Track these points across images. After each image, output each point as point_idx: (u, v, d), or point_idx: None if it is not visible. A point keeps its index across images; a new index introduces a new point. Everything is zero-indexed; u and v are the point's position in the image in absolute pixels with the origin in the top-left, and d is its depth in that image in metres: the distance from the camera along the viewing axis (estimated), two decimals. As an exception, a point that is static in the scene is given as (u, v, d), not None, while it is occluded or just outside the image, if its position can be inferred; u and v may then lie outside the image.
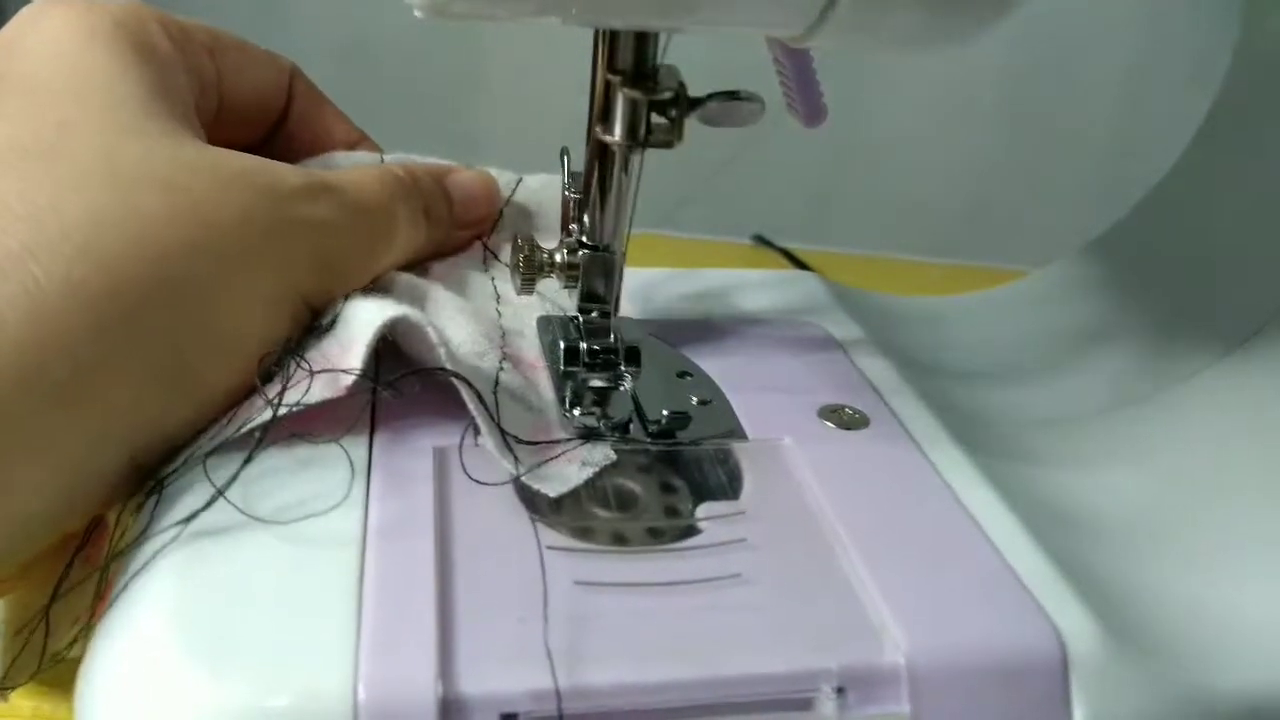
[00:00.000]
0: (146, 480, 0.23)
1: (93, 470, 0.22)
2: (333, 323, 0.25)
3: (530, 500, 0.24)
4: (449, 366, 0.25)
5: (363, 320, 0.25)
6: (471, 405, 0.24)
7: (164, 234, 0.22)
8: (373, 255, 0.28)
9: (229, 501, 0.22)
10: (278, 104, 0.31)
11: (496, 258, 0.33)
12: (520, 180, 0.34)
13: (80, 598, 0.22)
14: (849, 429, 0.28)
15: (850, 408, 0.29)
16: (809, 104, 0.27)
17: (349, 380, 0.24)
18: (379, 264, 0.28)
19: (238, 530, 0.22)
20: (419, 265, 0.31)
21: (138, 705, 0.19)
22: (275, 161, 0.26)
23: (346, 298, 0.26)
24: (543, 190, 0.34)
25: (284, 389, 0.24)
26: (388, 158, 0.32)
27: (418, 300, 0.28)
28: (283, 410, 0.23)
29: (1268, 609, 0.26)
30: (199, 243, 0.23)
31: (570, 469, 0.25)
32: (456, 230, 0.32)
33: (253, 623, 0.20)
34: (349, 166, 0.31)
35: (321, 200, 0.26)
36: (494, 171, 0.34)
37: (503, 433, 0.25)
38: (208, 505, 0.22)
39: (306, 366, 0.24)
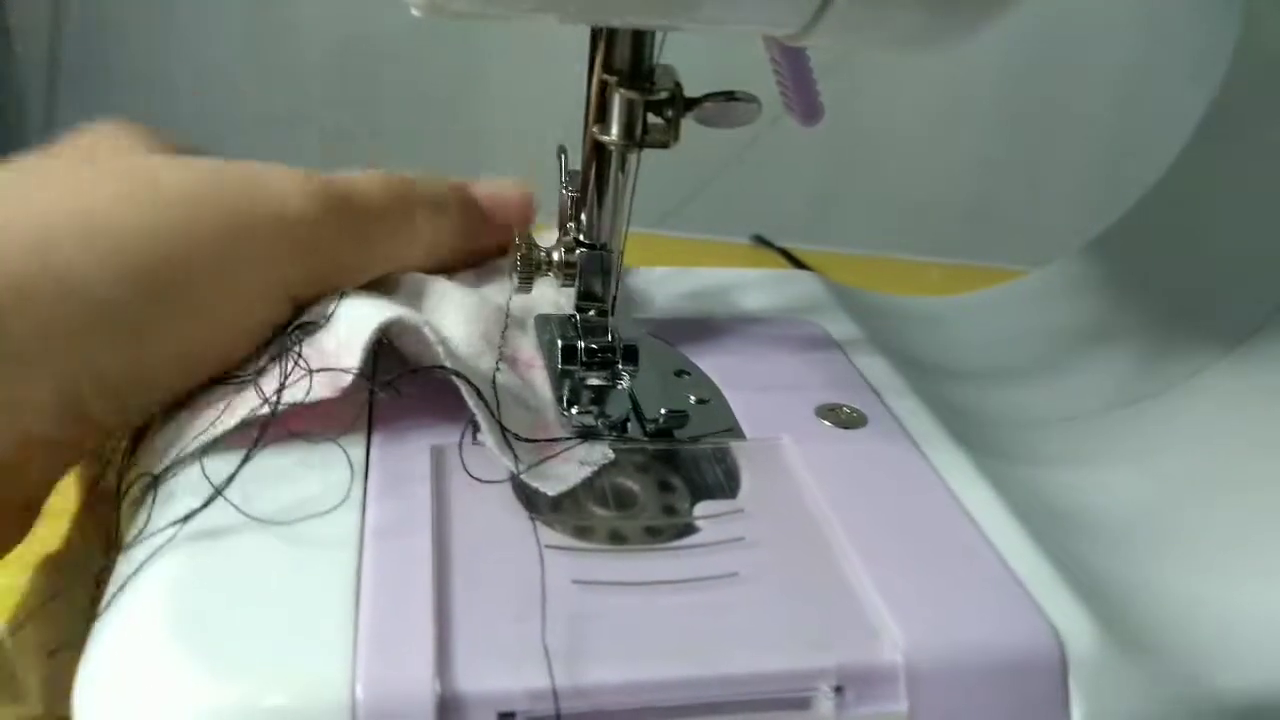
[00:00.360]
0: (87, 432, 0.24)
1: (15, 399, 0.22)
2: (327, 319, 0.25)
3: (529, 499, 0.24)
4: (448, 364, 0.25)
5: (360, 320, 0.25)
6: (471, 402, 0.24)
7: (128, 218, 0.23)
8: (366, 252, 0.28)
9: (228, 501, 0.22)
10: None
11: None
12: None
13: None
14: (847, 428, 0.28)
15: (848, 406, 0.29)
16: (805, 103, 0.27)
17: (346, 380, 0.24)
18: (376, 263, 0.28)
19: (236, 530, 0.22)
20: (451, 270, 0.31)
21: (136, 704, 0.19)
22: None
23: (343, 295, 0.26)
24: None
25: (282, 386, 0.24)
26: None
27: (417, 296, 0.28)
28: (280, 407, 0.23)
29: (1267, 608, 0.26)
30: (164, 231, 0.23)
31: (568, 468, 0.25)
32: (489, 235, 0.32)
33: (251, 622, 0.20)
34: None
35: (310, 193, 0.26)
36: None
37: (503, 429, 0.25)
38: (206, 504, 0.22)
39: (304, 365, 0.24)
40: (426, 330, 0.25)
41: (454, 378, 0.25)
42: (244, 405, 0.24)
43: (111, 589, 0.21)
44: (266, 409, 0.23)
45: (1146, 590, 0.26)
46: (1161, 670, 0.23)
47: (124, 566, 0.21)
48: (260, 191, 0.25)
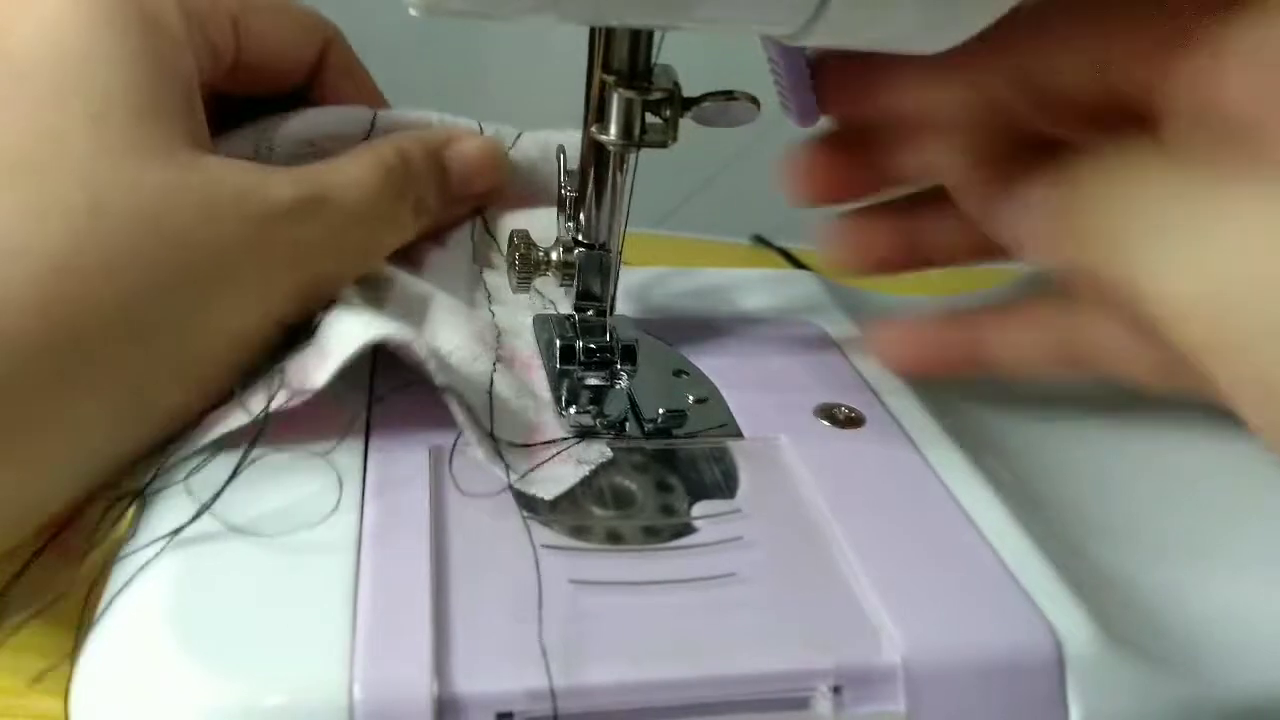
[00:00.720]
0: (117, 487, 0.23)
1: (50, 482, 0.22)
2: (313, 333, 0.25)
3: (526, 499, 0.24)
4: (439, 379, 0.24)
5: (343, 335, 0.24)
6: (460, 418, 0.24)
7: (137, 265, 0.22)
8: (360, 265, 0.28)
9: (214, 517, 0.22)
10: (302, 68, 0.31)
11: (491, 235, 0.33)
12: (519, 136, 0.34)
13: (41, 588, 0.22)
14: (845, 427, 0.28)
15: (846, 406, 0.29)
16: (802, 103, 0.27)
17: (317, 385, 0.24)
18: (365, 270, 0.28)
19: (234, 532, 0.22)
20: (410, 249, 0.31)
21: (134, 704, 0.19)
22: (268, 172, 0.25)
23: (330, 305, 0.26)
24: (540, 150, 0.34)
25: (269, 403, 0.23)
26: (385, 114, 0.32)
27: (414, 308, 0.28)
28: (259, 420, 0.23)
29: (1266, 609, 0.26)
30: (175, 276, 0.23)
31: (565, 468, 0.25)
32: (452, 207, 0.32)
33: (249, 622, 0.20)
34: (333, 124, 0.31)
35: (312, 220, 0.25)
36: (494, 128, 0.34)
37: (494, 440, 0.24)
38: (195, 517, 0.22)
39: (289, 384, 0.24)
40: (415, 349, 0.24)
41: (444, 395, 0.24)
42: (233, 420, 0.24)
43: (110, 592, 0.21)
44: (252, 426, 0.23)
45: (1145, 590, 0.26)
46: (1159, 670, 0.23)
47: (121, 571, 0.21)
48: (265, 228, 0.24)
